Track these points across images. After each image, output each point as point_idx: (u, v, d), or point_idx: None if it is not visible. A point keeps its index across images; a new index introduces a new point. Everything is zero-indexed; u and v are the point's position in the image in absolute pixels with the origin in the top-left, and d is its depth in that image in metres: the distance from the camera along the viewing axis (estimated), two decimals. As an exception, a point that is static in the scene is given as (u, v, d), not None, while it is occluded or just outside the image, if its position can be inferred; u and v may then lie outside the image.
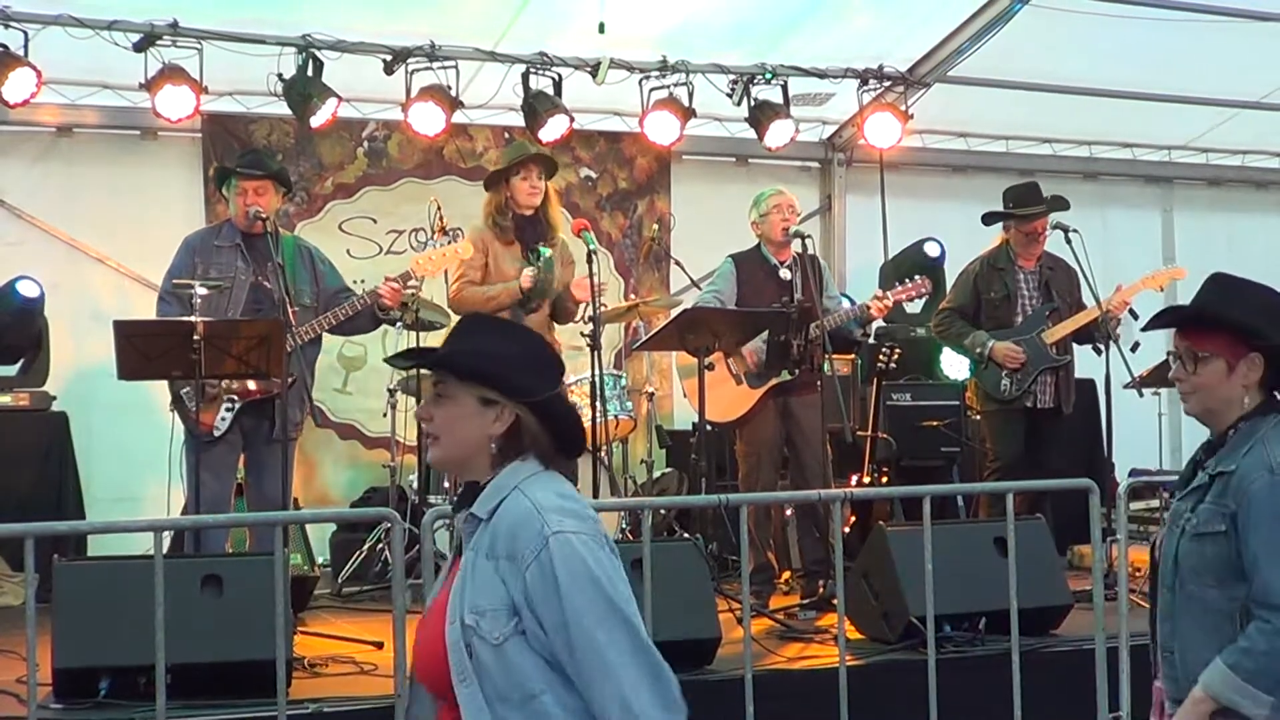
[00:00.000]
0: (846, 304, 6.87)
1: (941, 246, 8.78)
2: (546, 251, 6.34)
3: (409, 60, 7.35)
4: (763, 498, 6.16)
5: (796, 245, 6.38)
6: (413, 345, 5.99)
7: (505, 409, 2.55)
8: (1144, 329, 6.44)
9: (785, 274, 6.43)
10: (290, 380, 5.75)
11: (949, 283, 7.59)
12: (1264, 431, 2.92)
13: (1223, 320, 2.95)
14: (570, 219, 7.43)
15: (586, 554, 2.43)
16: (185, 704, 4.29)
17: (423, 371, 5.08)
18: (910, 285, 6.49)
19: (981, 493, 6.84)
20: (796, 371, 6.24)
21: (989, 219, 6.90)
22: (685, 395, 6.86)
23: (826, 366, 6.25)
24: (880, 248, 8.82)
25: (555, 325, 6.70)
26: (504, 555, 2.46)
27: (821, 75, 8.26)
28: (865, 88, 8.38)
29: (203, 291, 5.68)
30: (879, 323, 7.73)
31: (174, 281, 5.88)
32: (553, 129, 7.47)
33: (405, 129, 7.69)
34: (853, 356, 7.81)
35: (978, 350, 6.73)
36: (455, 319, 7.58)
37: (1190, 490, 2.98)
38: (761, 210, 6.45)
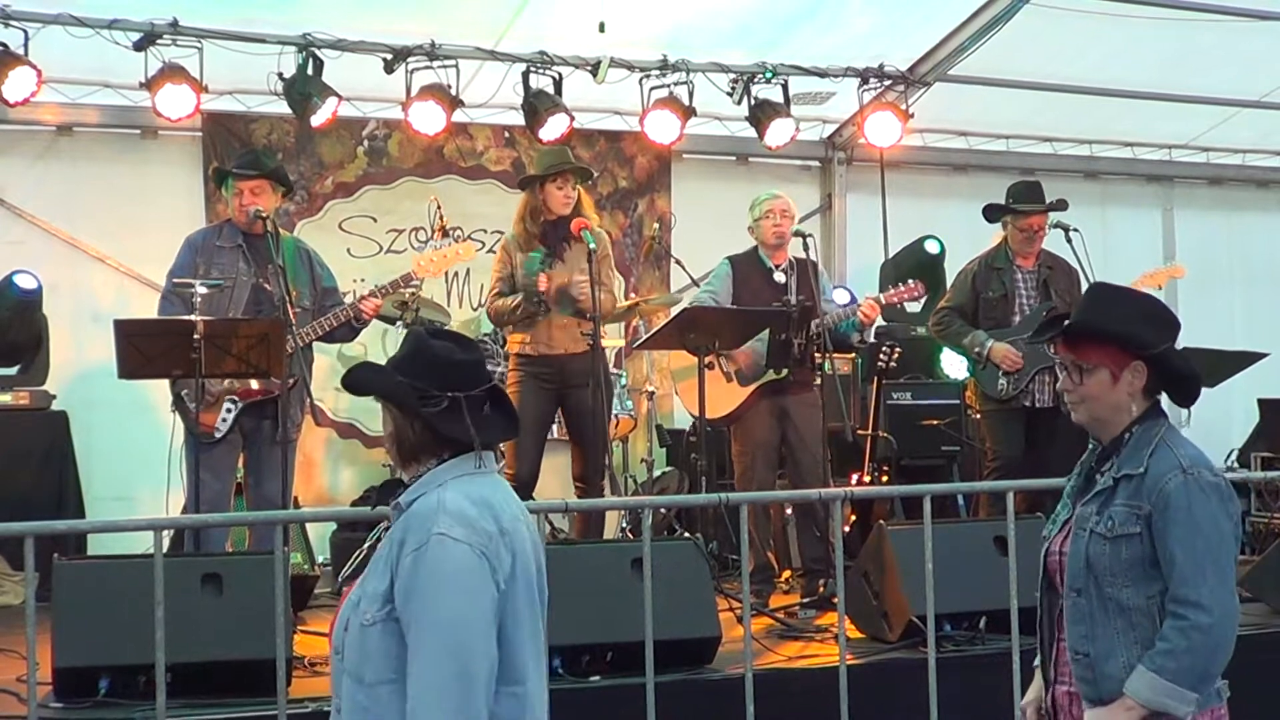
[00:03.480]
0: (838, 307, 6.84)
1: (941, 244, 8.79)
2: (538, 254, 6.26)
3: (409, 59, 7.34)
4: (763, 497, 6.16)
5: (797, 246, 6.39)
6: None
7: (389, 412, 2.74)
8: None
9: (780, 276, 6.44)
10: (292, 381, 5.76)
11: (949, 280, 7.58)
12: (1161, 434, 3.00)
13: (1103, 332, 3.02)
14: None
15: (457, 562, 2.53)
16: (185, 703, 4.29)
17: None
18: (904, 288, 6.49)
19: (981, 492, 6.83)
20: (785, 371, 6.24)
21: (988, 210, 6.90)
22: (678, 394, 6.88)
23: (827, 365, 6.25)
24: (881, 247, 8.81)
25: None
26: (398, 542, 2.59)
27: (822, 74, 8.25)
28: (866, 87, 8.37)
29: (203, 290, 5.68)
30: (880, 321, 7.74)
31: (175, 281, 5.88)
32: (553, 128, 7.46)
33: (405, 128, 7.68)
34: (853, 355, 7.82)
35: (976, 350, 6.73)
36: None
37: (1094, 495, 3.03)
38: (755, 215, 6.47)
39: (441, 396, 2.69)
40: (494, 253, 7.66)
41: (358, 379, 2.78)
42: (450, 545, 2.54)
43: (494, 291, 6.42)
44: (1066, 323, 3.10)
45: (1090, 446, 3.14)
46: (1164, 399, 3.12)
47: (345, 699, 2.60)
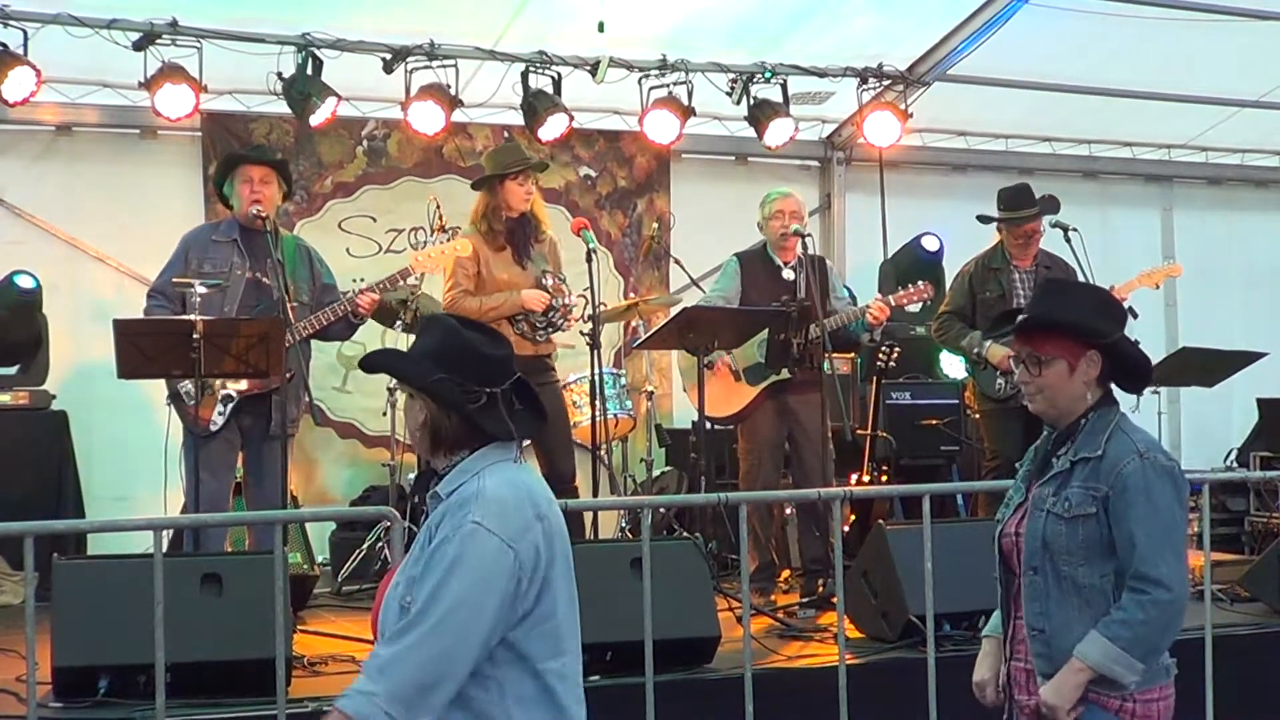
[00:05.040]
0: (848, 304, 6.85)
1: (939, 240, 8.79)
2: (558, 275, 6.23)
3: (408, 59, 7.35)
4: (762, 496, 6.16)
5: (800, 245, 6.39)
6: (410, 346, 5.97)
7: (420, 401, 2.75)
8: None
9: (788, 274, 6.44)
10: (289, 375, 5.75)
11: (948, 277, 7.59)
12: (1116, 420, 3.14)
13: (1059, 324, 3.13)
14: (570, 217, 7.41)
15: (484, 554, 2.57)
16: (185, 703, 4.29)
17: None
18: (912, 290, 6.50)
19: (980, 491, 6.84)
20: (795, 371, 6.24)
21: (983, 221, 6.90)
22: (685, 390, 6.87)
23: (827, 366, 6.25)
24: (880, 246, 8.82)
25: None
26: (436, 527, 2.66)
27: (821, 74, 8.25)
28: (865, 86, 8.38)
29: (202, 290, 5.68)
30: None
31: (173, 280, 5.87)
32: (552, 128, 7.46)
33: (405, 128, 7.69)
34: (852, 355, 7.82)
35: (975, 351, 6.73)
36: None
37: (1050, 477, 3.15)
38: (765, 213, 6.48)
39: (480, 392, 2.71)
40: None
41: (399, 371, 2.80)
42: (483, 536, 2.58)
43: (459, 289, 6.24)
44: (1023, 316, 3.22)
45: (1045, 432, 3.25)
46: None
47: None
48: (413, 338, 6.72)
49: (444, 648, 2.53)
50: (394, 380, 7.27)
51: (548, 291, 6.23)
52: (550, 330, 6.29)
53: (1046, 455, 3.21)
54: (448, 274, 6.31)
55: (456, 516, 2.60)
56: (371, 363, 2.83)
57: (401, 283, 6.19)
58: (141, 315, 5.90)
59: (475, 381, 2.71)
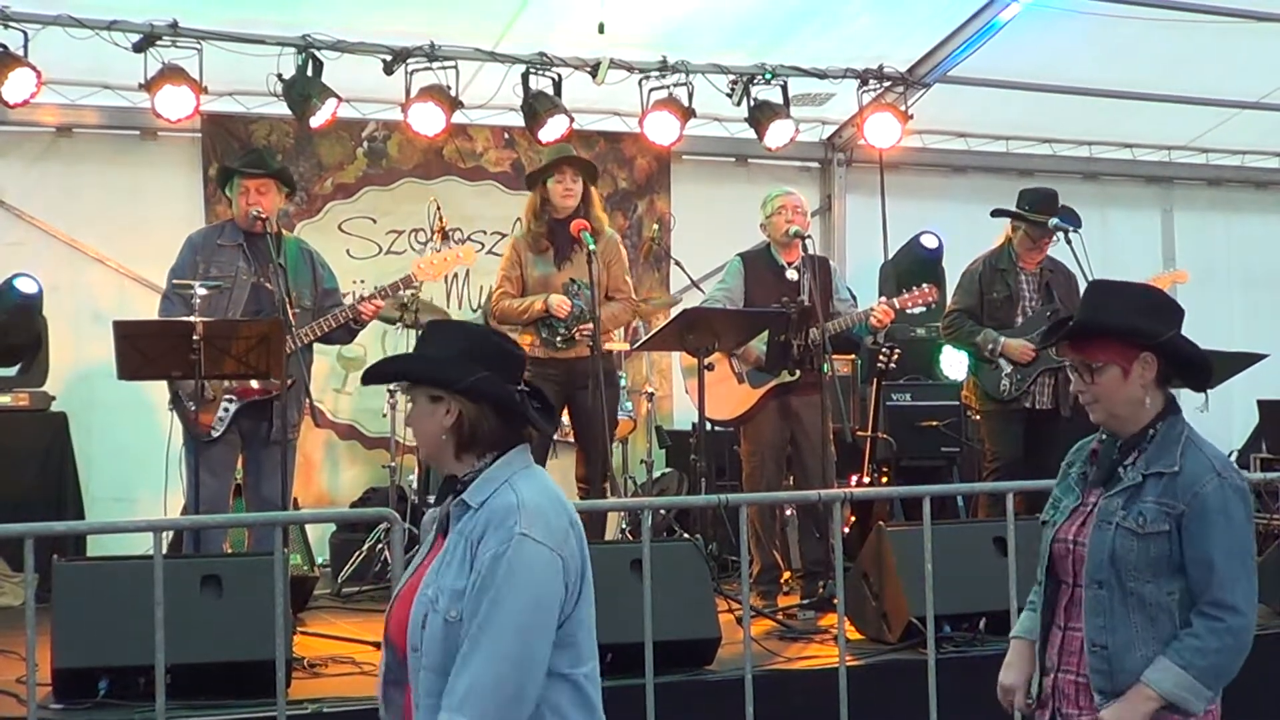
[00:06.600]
0: (852, 305, 6.85)
1: (939, 238, 8.80)
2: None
3: (409, 60, 7.34)
4: (762, 498, 6.15)
5: (801, 245, 6.39)
6: (412, 346, 5.99)
7: (449, 402, 2.69)
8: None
9: (792, 275, 6.43)
10: (290, 381, 5.76)
11: (948, 275, 7.57)
12: (1186, 433, 3.03)
13: (1105, 329, 3.02)
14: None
15: (536, 568, 2.57)
16: (185, 704, 4.29)
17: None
18: (917, 293, 6.49)
19: (981, 493, 6.84)
20: (798, 373, 6.24)
21: (999, 215, 6.86)
22: (688, 392, 6.87)
23: (826, 368, 6.24)
24: (880, 248, 8.81)
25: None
26: (477, 539, 2.61)
27: (821, 75, 8.25)
28: (865, 88, 8.37)
29: (203, 291, 5.69)
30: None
31: (175, 281, 5.88)
32: (552, 129, 7.46)
33: (405, 129, 7.69)
34: (853, 357, 7.82)
35: (989, 347, 6.71)
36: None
37: (1120, 489, 3.02)
38: (768, 211, 6.47)
39: (515, 389, 2.72)
40: (494, 254, 7.70)
41: (435, 375, 2.71)
42: (531, 547, 2.57)
43: (500, 290, 6.41)
44: (1071, 324, 3.09)
45: (1104, 437, 3.12)
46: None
47: (428, 693, 2.62)
48: (414, 335, 6.82)
49: (515, 660, 2.54)
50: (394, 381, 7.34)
51: (571, 299, 6.26)
52: (569, 339, 6.29)
53: (1113, 464, 3.07)
54: (497, 276, 6.48)
55: (501, 529, 2.58)
56: (397, 371, 2.79)
57: (403, 289, 6.22)
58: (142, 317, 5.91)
59: (509, 379, 2.72)
